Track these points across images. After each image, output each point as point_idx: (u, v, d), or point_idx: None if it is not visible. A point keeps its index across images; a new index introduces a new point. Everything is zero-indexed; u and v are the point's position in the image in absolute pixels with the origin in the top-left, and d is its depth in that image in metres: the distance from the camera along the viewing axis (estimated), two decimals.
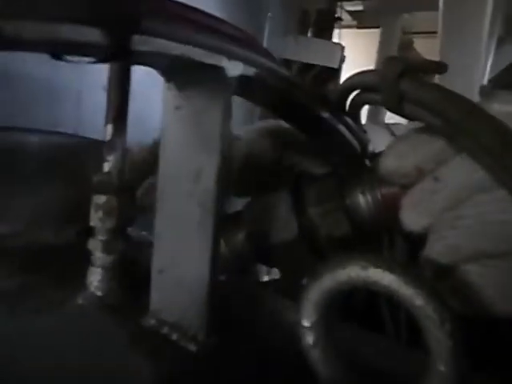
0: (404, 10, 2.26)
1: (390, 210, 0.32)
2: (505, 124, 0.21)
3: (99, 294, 0.36)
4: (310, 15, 2.07)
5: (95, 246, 0.36)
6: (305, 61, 1.37)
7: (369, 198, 0.34)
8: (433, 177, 0.28)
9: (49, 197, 0.51)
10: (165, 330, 0.32)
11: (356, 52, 3.12)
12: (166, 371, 0.28)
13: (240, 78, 0.29)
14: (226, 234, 0.41)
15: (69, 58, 0.22)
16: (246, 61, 0.28)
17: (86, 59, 0.22)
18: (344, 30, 2.90)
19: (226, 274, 0.45)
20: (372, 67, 2.27)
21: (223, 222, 0.42)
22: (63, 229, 0.49)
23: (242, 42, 0.28)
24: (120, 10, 0.19)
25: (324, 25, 1.95)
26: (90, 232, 0.36)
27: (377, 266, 0.21)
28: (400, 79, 0.26)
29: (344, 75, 1.68)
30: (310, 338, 0.24)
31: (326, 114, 0.39)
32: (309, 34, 1.97)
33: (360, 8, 2.56)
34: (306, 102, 0.36)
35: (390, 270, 0.21)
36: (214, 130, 0.28)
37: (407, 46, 2.77)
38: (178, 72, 0.29)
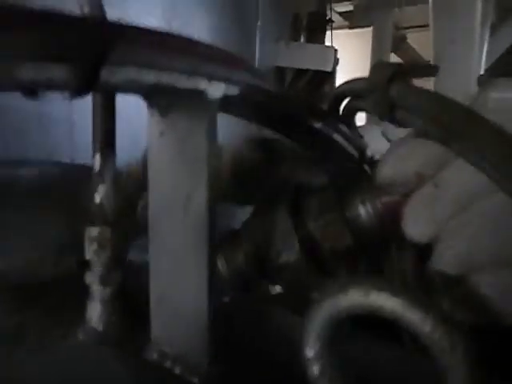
0: (394, 4, 2.25)
1: (392, 219, 0.31)
2: (502, 129, 0.20)
3: (100, 328, 0.35)
4: (301, 19, 2.07)
5: (92, 279, 0.35)
6: (298, 67, 1.37)
7: (369, 208, 0.32)
8: (433, 182, 0.26)
9: (46, 228, 0.51)
10: (167, 363, 0.31)
11: (351, 52, 3.12)
12: None
13: (223, 98, 0.28)
14: (226, 254, 0.40)
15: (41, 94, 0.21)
16: (227, 80, 0.27)
17: (59, 95, 0.21)
18: (337, 31, 2.90)
19: (229, 294, 0.44)
20: (367, 66, 2.26)
21: (222, 242, 0.41)
22: (63, 260, 0.48)
23: (222, 61, 0.27)
24: (85, 41, 0.18)
25: (316, 27, 1.95)
26: (86, 265, 0.36)
27: (380, 290, 0.20)
28: (390, 85, 0.24)
29: (340, 76, 1.67)
30: (315, 369, 0.23)
31: (318, 124, 0.38)
32: (302, 38, 1.97)
33: (350, 8, 2.56)
34: (295, 113, 0.35)
35: (394, 293, 0.20)
36: (199, 154, 0.27)
37: (401, 41, 2.76)
38: (159, 97, 0.28)
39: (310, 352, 0.23)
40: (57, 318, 0.37)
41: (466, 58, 1.15)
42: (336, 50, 1.57)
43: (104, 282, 0.35)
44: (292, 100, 0.35)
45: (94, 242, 0.34)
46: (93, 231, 0.34)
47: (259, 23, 1.18)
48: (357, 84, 0.30)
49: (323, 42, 1.91)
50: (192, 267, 0.29)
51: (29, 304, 0.40)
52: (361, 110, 0.34)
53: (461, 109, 0.21)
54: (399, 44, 2.91)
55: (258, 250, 0.38)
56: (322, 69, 1.44)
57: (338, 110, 0.38)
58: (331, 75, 1.57)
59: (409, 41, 3.10)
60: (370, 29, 2.31)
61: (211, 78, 0.26)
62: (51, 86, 0.19)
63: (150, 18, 0.79)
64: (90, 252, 0.34)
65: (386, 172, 0.29)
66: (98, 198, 0.35)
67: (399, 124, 0.26)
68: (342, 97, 0.35)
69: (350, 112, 0.37)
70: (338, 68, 1.90)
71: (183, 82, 0.24)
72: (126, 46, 0.20)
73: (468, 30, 1.09)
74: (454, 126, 0.20)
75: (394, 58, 3.01)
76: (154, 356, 0.31)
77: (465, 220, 0.24)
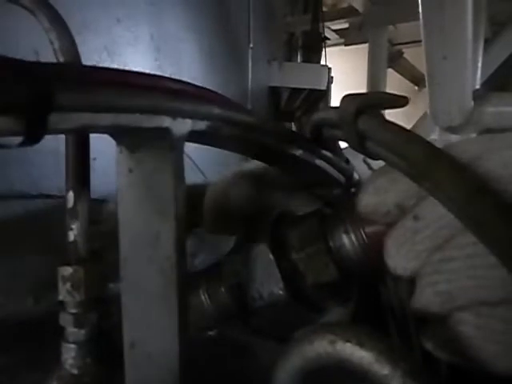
0: (388, 22, 2.27)
1: (376, 249, 0.30)
2: (468, 170, 0.19)
3: (74, 371, 0.34)
4: (296, 38, 2.09)
5: (66, 320, 0.34)
6: (292, 86, 1.37)
7: (353, 237, 0.31)
8: (413, 215, 0.25)
9: (28, 264, 0.49)
10: None
11: (348, 70, 3.14)
12: None
13: (191, 133, 0.27)
14: (208, 288, 0.39)
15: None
16: (194, 116, 0.27)
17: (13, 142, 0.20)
18: (333, 49, 2.93)
19: (214, 328, 0.43)
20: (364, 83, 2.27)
21: (205, 275, 0.40)
22: (44, 297, 0.47)
23: (188, 96, 0.27)
24: (28, 89, 0.18)
25: (312, 46, 1.96)
26: (61, 305, 0.34)
27: (346, 341, 0.18)
28: (357, 118, 0.24)
29: (336, 94, 1.67)
30: None
31: (298, 151, 0.37)
32: (298, 56, 1.99)
33: (346, 26, 2.59)
34: (272, 142, 0.34)
35: (361, 344, 0.18)
36: (166, 191, 0.26)
37: (397, 56, 2.77)
38: (126, 135, 0.27)
39: None
40: (32, 361, 0.36)
41: (459, 73, 1.15)
42: (330, 69, 1.58)
43: (79, 323, 0.34)
44: (270, 129, 0.34)
45: (67, 282, 0.33)
46: (65, 271, 0.33)
47: (251, 45, 1.19)
48: (329, 114, 0.29)
49: (319, 60, 1.93)
50: (161, 309, 0.28)
51: (5, 345, 0.39)
52: (335, 139, 0.33)
53: (433, 149, 0.19)
54: (396, 59, 2.93)
55: (239, 284, 0.37)
56: (316, 87, 1.44)
57: (320, 137, 0.37)
58: (326, 93, 1.58)
59: (406, 56, 3.12)
60: (366, 45, 2.33)
61: (176, 114, 0.25)
62: (2, 135, 0.18)
63: (139, 45, 0.80)
64: (63, 292, 0.33)
65: (366, 202, 0.28)
66: (71, 236, 0.34)
67: (370, 156, 0.25)
68: (319, 124, 0.34)
69: (331, 139, 0.36)
70: (335, 84, 1.91)
71: (143, 122, 0.23)
72: (75, 89, 0.19)
73: (459, 46, 1.08)
74: (418, 165, 0.19)
75: (391, 74, 3.03)
76: None
77: (445, 255, 0.23)
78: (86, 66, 0.21)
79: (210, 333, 0.43)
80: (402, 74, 3.22)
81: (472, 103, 1.21)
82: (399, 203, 0.26)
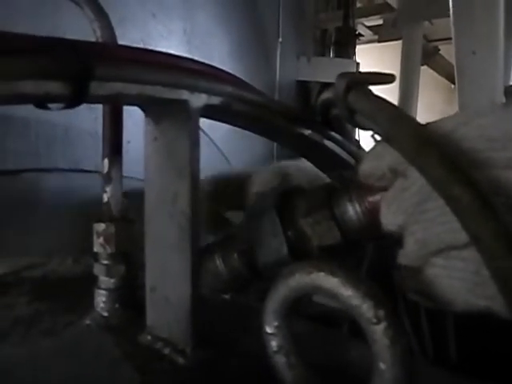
0: (423, 18, 2.23)
1: (376, 216, 0.32)
2: (424, 128, 0.22)
3: (105, 314, 0.39)
4: (330, 34, 2.10)
5: (99, 270, 0.39)
6: (320, 80, 1.40)
7: (356, 205, 0.34)
8: (402, 175, 0.28)
9: (68, 228, 0.56)
10: (158, 345, 0.34)
11: (381, 66, 3.10)
12: (156, 382, 0.30)
13: (206, 107, 0.31)
14: (222, 254, 0.43)
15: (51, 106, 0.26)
16: (209, 91, 0.31)
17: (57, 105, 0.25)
18: (367, 45, 2.91)
19: (228, 292, 0.47)
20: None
21: (219, 243, 0.44)
22: (82, 258, 0.53)
23: (205, 74, 0.31)
24: (74, 62, 0.23)
25: (345, 42, 1.97)
26: (95, 257, 0.40)
27: (320, 271, 0.22)
28: (347, 93, 0.27)
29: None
30: (273, 344, 0.25)
31: (307, 131, 0.41)
32: (330, 53, 2.00)
33: (380, 22, 2.57)
34: (281, 120, 0.38)
35: (332, 273, 0.22)
36: (184, 157, 0.31)
37: (432, 53, 2.72)
38: (152, 107, 0.32)
39: (269, 328, 0.25)
40: (70, 308, 0.42)
41: (490, 68, 1.13)
42: (358, 64, 1.59)
43: (110, 273, 0.39)
44: (279, 108, 0.38)
45: (100, 237, 0.39)
46: (99, 226, 0.38)
47: (280, 39, 1.23)
48: (328, 93, 0.33)
49: (352, 56, 1.93)
50: (177, 258, 0.32)
51: (47, 295, 0.45)
52: (336, 117, 0.36)
53: (396, 112, 0.23)
54: (432, 56, 2.88)
55: (249, 249, 0.40)
56: None
57: (326, 118, 0.40)
58: None
59: (442, 53, 3.05)
60: (400, 42, 2.30)
61: (193, 89, 0.30)
62: (49, 98, 0.23)
63: (172, 38, 0.86)
64: (97, 245, 0.39)
65: (364, 168, 0.31)
66: (105, 198, 0.40)
67: (359, 127, 0.28)
68: (326, 105, 0.38)
69: (336, 118, 0.39)
70: None
71: (165, 93, 0.28)
72: (109, 63, 0.24)
73: (490, 40, 1.07)
74: (387, 129, 0.23)
75: (426, 71, 2.97)
76: (148, 339, 0.35)
77: (424, 207, 0.26)
78: (120, 46, 0.26)
79: (225, 296, 0.48)
80: (437, 72, 3.15)
81: (504, 100, 1.19)
82: (393, 167, 0.28)
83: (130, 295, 0.40)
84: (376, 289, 0.21)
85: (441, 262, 0.25)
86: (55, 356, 0.34)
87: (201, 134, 0.32)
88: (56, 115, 0.61)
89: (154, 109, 0.32)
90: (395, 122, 0.22)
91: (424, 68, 2.64)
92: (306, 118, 0.41)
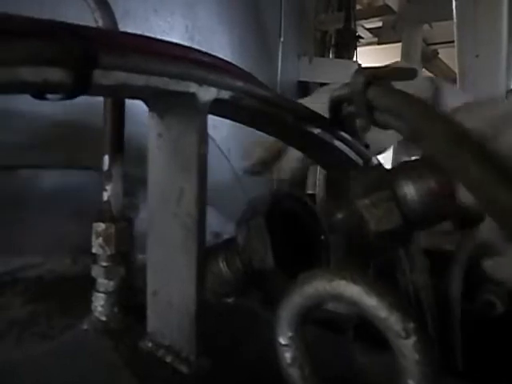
0: (423, 21, 2.23)
1: (445, 199, 0.30)
2: (457, 125, 0.20)
3: (103, 318, 0.37)
4: (330, 36, 2.10)
5: (98, 272, 0.38)
6: (321, 81, 1.39)
7: (422, 186, 0.31)
8: None
9: (66, 227, 0.54)
10: (160, 352, 0.32)
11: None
12: None
13: (215, 101, 0.30)
14: (226, 257, 0.41)
15: (49, 96, 0.24)
16: (219, 85, 0.29)
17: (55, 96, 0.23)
18: (367, 48, 2.90)
19: (232, 296, 0.46)
20: None
21: (222, 246, 0.42)
22: (80, 258, 0.51)
23: (215, 67, 0.29)
24: (77, 47, 0.21)
25: (345, 44, 1.96)
26: (93, 258, 0.38)
27: (341, 278, 0.21)
28: (367, 88, 0.26)
29: None
30: (287, 356, 0.24)
31: (316, 130, 0.40)
32: (330, 54, 1.99)
33: (379, 24, 2.57)
34: (290, 118, 0.36)
35: (354, 281, 0.20)
36: (191, 154, 0.29)
37: (431, 56, 2.72)
38: (157, 101, 0.31)
39: (282, 339, 0.24)
40: (66, 310, 0.40)
41: (492, 72, 1.13)
42: (360, 65, 1.58)
43: (108, 275, 0.37)
44: (288, 106, 0.37)
45: (99, 237, 0.37)
46: (99, 226, 0.37)
47: (282, 39, 1.22)
48: (342, 89, 0.31)
49: (352, 58, 1.92)
50: (182, 260, 0.31)
51: (43, 297, 0.43)
52: (351, 114, 0.35)
53: (425, 107, 0.21)
54: (430, 59, 2.88)
55: (247, 257, 0.39)
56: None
57: (337, 117, 0.39)
58: None
59: (441, 56, 3.05)
60: (399, 44, 2.30)
61: (202, 82, 0.28)
62: (48, 87, 0.21)
63: (174, 34, 0.84)
64: (96, 246, 0.37)
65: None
66: (105, 196, 0.38)
67: (380, 126, 0.27)
68: (337, 103, 0.36)
69: (348, 117, 0.38)
70: None
71: (173, 85, 0.26)
72: (114, 52, 0.22)
73: (493, 44, 1.07)
74: (416, 124, 0.21)
75: (425, 74, 2.98)
76: (149, 345, 0.33)
77: None
78: (126, 33, 0.24)
79: (228, 300, 0.46)
80: (436, 75, 3.16)
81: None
82: None
83: (130, 299, 0.38)
84: (402, 300, 0.20)
85: None
86: (51, 362, 0.32)
87: None
88: (53, 109, 0.59)
89: (158, 102, 0.31)
90: (427, 118, 0.21)
91: (423, 71, 2.64)
92: (317, 117, 0.39)
